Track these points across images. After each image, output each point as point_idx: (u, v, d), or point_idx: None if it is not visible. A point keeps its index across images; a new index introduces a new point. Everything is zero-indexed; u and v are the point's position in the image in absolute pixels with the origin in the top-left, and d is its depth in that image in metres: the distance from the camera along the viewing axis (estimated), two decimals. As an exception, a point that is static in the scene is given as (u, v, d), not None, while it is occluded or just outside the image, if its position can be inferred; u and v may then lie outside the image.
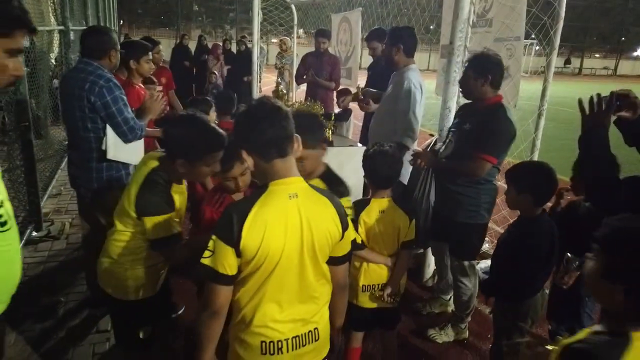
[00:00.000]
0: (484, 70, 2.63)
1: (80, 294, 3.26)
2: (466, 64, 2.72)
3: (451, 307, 3.25)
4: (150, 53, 3.39)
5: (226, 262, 1.43)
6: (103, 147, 2.69)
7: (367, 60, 5.14)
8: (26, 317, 2.96)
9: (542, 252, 2.17)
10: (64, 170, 5.98)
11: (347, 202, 2.06)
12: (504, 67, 2.68)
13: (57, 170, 5.90)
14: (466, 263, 2.92)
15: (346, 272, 1.72)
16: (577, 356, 1.16)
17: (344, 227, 1.57)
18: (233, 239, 1.40)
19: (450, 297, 3.27)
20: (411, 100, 3.38)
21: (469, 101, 2.86)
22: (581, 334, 1.24)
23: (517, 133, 2.67)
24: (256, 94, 8.58)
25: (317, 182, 2.04)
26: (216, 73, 9.08)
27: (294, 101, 6.01)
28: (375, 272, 2.33)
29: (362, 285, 2.34)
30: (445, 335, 3.02)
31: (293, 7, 8.31)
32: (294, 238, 1.46)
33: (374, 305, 2.36)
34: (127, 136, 2.71)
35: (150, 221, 1.87)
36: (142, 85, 3.53)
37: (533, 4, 3.50)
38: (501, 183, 3.36)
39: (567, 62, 39.84)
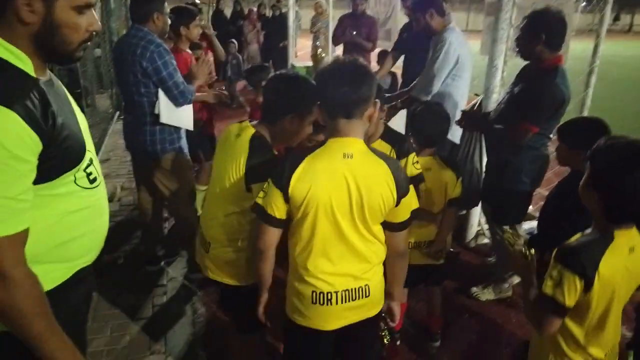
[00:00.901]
0: (538, 29, 2.45)
1: (136, 251, 3.46)
2: (523, 22, 2.57)
3: None
4: (198, 18, 3.43)
5: (275, 204, 1.53)
6: (156, 112, 2.79)
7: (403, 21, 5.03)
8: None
9: None
10: (111, 136, 6.21)
11: (413, 158, 2.10)
12: (565, 26, 2.48)
13: (104, 137, 6.12)
14: (507, 227, 2.89)
15: (405, 240, 1.70)
16: (568, 252, 1.42)
17: (401, 194, 1.54)
18: (283, 184, 1.49)
19: None
20: (441, 57, 3.25)
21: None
22: (574, 237, 1.49)
23: (566, 98, 2.50)
24: (292, 59, 8.55)
25: (380, 143, 2.07)
26: (234, 42, 8.85)
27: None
28: (423, 229, 2.37)
29: (410, 242, 2.39)
30: (488, 294, 3.05)
31: (328, -32, 8.12)
32: (341, 196, 1.49)
33: (420, 262, 2.40)
34: (178, 100, 2.79)
35: (259, 187, 1.68)
36: (189, 51, 3.59)
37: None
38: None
39: (616, 18, 37.49)
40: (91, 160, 1.28)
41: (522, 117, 2.52)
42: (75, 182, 1.23)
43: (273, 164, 1.67)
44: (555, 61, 2.53)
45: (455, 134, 3.33)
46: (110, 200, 4.32)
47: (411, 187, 1.61)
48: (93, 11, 1.20)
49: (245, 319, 1.98)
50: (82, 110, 3.59)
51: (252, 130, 1.79)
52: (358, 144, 1.52)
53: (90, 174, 1.28)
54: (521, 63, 2.80)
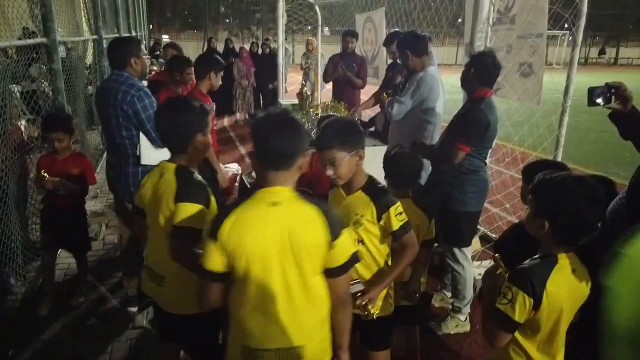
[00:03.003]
0: (470, 65, 2.83)
1: (116, 291, 3.45)
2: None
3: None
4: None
5: (212, 258, 1.50)
6: (137, 153, 2.84)
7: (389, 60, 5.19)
8: (70, 312, 3.16)
9: None
10: (100, 173, 6.22)
11: (395, 210, 2.01)
12: (497, 66, 2.81)
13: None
14: (457, 250, 3.03)
15: (346, 286, 1.66)
16: (519, 273, 1.58)
17: (334, 236, 1.53)
18: (215, 236, 1.49)
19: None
20: (410, 92, 3.51)
21: None
22: (525, 262, 1.65)
23: (492, 124, 2.80)
24: (282, 95, 8.71)
25: (359, 195, 2.03)
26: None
27: (319, 102, 6.12)
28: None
29: None
30: (445, 328, 3.11)
31: (317, 7, 8.38)
32: (273, 246, 1.49)
33: (395, 303, 2.41)
34: (157, 142, 2.85)
35: (182, 207, 1.79)
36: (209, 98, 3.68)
37: (555, 0, 3.47)
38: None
39: (602, 52, 38.50)
40: None
41: (454, 138, 2.83)
42: None
43: (199, 185, 1.86)
44: (482, 93, 2.84)
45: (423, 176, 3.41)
46: (95, 239, 4.32)
47: (346, 230, 1.61)
48: None
49: (204, 345, 2.06)
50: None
51: (173, 165, 1.93)
52: (285, 191, 1.53)
53: None
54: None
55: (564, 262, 1.58)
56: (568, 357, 1.69)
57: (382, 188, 2.07)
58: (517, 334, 1.61)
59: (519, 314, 1.53)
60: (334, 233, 1.53)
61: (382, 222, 2.01)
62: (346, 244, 1.58)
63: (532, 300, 1.52)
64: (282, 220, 1.49)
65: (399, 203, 2.04)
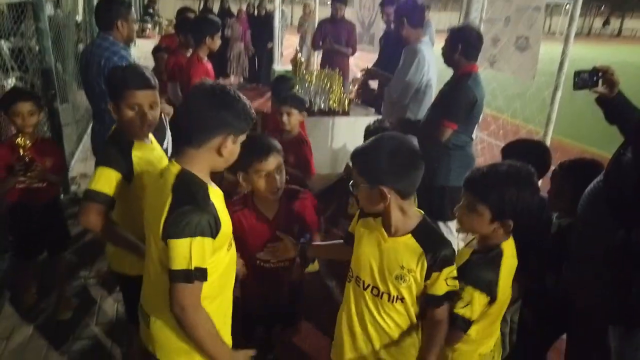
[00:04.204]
0: (456, 41, 2.77)
1: (103, 254, 3.47)
2: (447, 35, 2.86)
3: None
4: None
5: None
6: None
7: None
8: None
9: None
10: (90, 135, 6.17)
11: (449, 272, 1.54)
12: (481, 40, 2.79)
13: (83, 134, 6.09)
14: (441, 224, 3.06)
15: (179, 300, 1.30)
16: (473, 274, 1.57)
17: (165, 234, 1.30)
18: None
19: None
20: (418, 76, 3.44)
21: None
22: (463, 256, 1.65)
23: (479, 99, 2.79)
24: (277, 60, 8.57)
25: (408, 242, 1.54)
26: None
27: (314, 67, 6.06)
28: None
29: None
30: None
31: (315, -31, 8.15)
32: (149, 215, 1.46)
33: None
34: None
35: (96, 171, 1.73)
36: (209, 61, 3.66)
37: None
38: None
39: (606, 22, 37.86)
40: None
41: (441, 115, 2.82)
42: None
43: (108, 153, 1.78)
44: (469, 68, 2.82)
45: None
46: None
47: (195, 241, 1.28)
48: None
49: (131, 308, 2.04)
50: (59, 109, 3.22)
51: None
52: (174, 168, 1.38)
53: None
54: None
55: (507, 251, 1.61)
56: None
57: (440, 236, 1.60)
58: None
59: (476, 313, 1.57)
60: (167, 231, 1.30)
61: (428, 281, 1.55)
62: (180, 251, 1.28)
63: (488, 299, 1.57)
64: (156, 196, 1.40)
65: (454, 266, 1.57)
